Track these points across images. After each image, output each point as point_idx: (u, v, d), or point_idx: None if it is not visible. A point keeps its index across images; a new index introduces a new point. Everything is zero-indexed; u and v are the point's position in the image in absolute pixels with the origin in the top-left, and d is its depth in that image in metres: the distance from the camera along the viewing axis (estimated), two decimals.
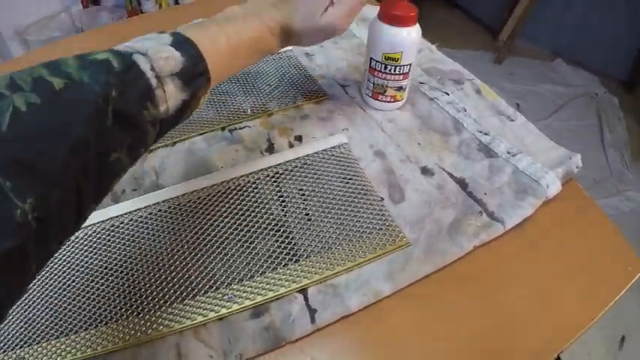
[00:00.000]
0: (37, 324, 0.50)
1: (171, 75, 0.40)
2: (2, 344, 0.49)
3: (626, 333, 1.66)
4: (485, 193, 0.60)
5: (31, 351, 0.48)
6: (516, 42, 3.13)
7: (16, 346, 0.48)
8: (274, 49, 0.55)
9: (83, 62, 0.35)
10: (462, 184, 0.61)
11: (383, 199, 0.59)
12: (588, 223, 0.59)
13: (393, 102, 0.71)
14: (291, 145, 0.67)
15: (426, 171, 0.63)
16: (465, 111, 0.72)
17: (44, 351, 0.48)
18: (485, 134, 0.68)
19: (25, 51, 2.64)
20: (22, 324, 0.50)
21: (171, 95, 0.40)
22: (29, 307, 0.51)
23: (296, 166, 0.63)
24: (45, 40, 2.59)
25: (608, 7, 2.85)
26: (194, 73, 0.42)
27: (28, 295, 0.52)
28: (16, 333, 0.49)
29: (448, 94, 0.75)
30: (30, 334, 0.49)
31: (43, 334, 0.49)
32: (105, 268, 0.54)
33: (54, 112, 0.32)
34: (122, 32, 1.00)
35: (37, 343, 0.48)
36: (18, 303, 0.52)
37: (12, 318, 0.51)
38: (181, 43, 0.42)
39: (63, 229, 0.33)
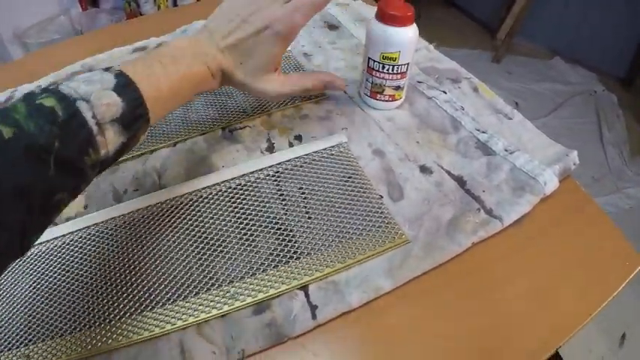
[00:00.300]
0: (42, 322, 0.50)
1: (111, 121, 0.43)
2: (8, 342, 0.49)
3: (627, 330, 1.67)
4: (484, 191, 0.60)
5: (35, 349, 0.48)
6: (514, 40, 3.14)
7: (20, 344, 0.49)
8: (214, 88, 0.58)
9: (31, 109, 0.38)
10: (460, 181, 0.62)
11: (382, 197, 0.60)
12: (586, 220, 0.60)
13: (392, 101, 0.72)
14: (291, 145, 0.68)
15: (424, 169, 0.63)
16: (463, 109, 0.72)
17: (48, 348, 0.48)
18: (483, 132, 0.68)
19: (25, 53, 2.65)
20: (27, 322, 0.51)
21: (111, 140, 0.43)
22: (34, 306, 0.52)
23: (296, 165, 0.64)
24: (44, 43, 2.60)
25: (606, 4, 2.85)
26: (134, 116, 0.45)
27: (39, 293, 0.53)
28: (19, 331, 0.50)
29: (446, 93, 0.75)
30: (34, 332, 0.50)
31: (48, 332, 0.50)
32: (109, 267, 0.54)
33: (2, 161, 0.35)
34: (121, 34, 1.01)
35: (42, 341, 0.49)
36: (25, 301, 0.53)
37: (16, 316, 0.52)
38: (123, 86, 0.45)
39: (6, 258, 0.37)
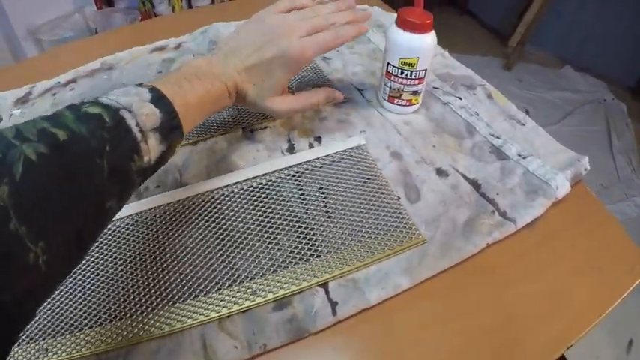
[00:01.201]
0: (63, 316, 0.51)
1: (152, 130, 0.45)
2: (26, 336, 0.51)
3: (634, 336, 1.67)
4: (498, 194, 0.62)
5: (54, 342, 0.49)
6: (525, 48, 3.14)
7: (39, 337, 0.50)
8: (228, 106, 0.62)
9: (79, 115, 0.40)
10: (475, 185, 0.63)
11: (400, 198, 0.61)
12: (596, 224, 0.61)
13: (409, 105, 0.73)
14: (310, 146, 0.69)
15: (440, 172, 0.65)
16: (478, 115, 0.74)
17: (68, 342, 0.49)
18: (497, 137, 0.70)
19: (38, 50, 2.67)
20: (46, 316, 0.52)
21: (153, 148, 0.46)
22: (55, 300, 0.53)
23: (316, 166, 0.65)
24: (58, 40, 2.61)
25: (617, 14, 2.86)
26: (170, 127, 0.48)
27: (59, 286, 0.54)
28: (40, 325, 0.51)
29: (461, 99, 0.77)
30: (55, 325, 0.51)
31: (67, 325, 0.51)
32: (130, 262, 0.56)
33: (61, 162, 0.36)
34: (138, 34, 1.03)
35: (62, 335, 0.50)
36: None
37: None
38: (159, 99, 0.48)
39: (67, 265, 0.38)
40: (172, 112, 0.48)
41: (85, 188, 0.37)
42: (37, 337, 0.50)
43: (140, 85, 0.49)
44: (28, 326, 0.51)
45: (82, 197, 0.37)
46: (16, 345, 0.50)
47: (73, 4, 2.80)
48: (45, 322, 0.51)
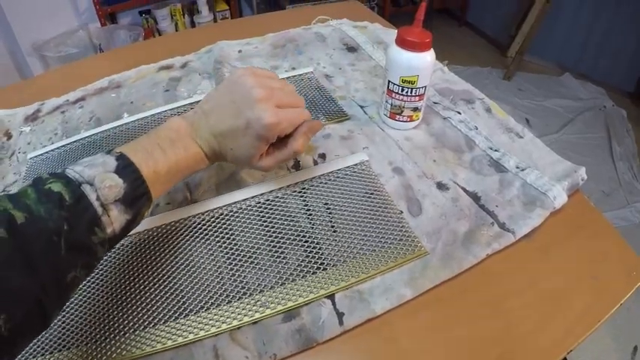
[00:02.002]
0: (76, 329, 0.53)
1: (115, 201, 0.47)
2: (39, 347, 0.52)
3: (639, 343, 1.68)
4: (497, 206, 0.64)
5: (69, 354, 0.51)
6: (525, 58, 3.17)
7: (53, 350, 0.52)
8: (208, 166, 0.61)
9: (40, 194, 0.43)
10: (474, 197, 0.65)
11: (402, 212, 0.63)
12: (594, 232, 0.63)
13: (410, 121, 0.75)
14: (315, 163, 0.71)
15: (441, 186, 0.67)
16: (477, 129, 0.76)
17: (83, 355, 0.51)
18: (496, 151, 0.72)
19: (43, 66, 2.70)
20: (58, 328, 0.54)
21: (115, 219, 0.47)
22: (65, 312, 0.55)
23: (321, 182, 0.67)
24: (62, 57, 2.65)
25: (614, 21, 2.88)
26: (135, 196, 0.49)
27: (71, 300, 0.56)
28: (52, 337, 0.53)
29: (460, 114, 0.79)
30: (69, 338, 0.52)
31: (81, 337, 0.52)
32: (142, 276, 0.58)
33: (17, 244, 0.39)
34: (144, 52, 1.05)
35: (76, 347, 0.52)
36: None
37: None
38: (125, 167, 0.49)
39: (31, 332, 0.41)
40: (138, 179, 0.50)
41: (42, 265, 0.40)
42: (52, 349, 0.52)
43: (110, 152, 0.51)
44: (42, 339, 0.53)
45: (39, 274, 0.40)
46: None
47: (77, 21, 2.83)
48: (59, 334, 0.53)
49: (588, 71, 3.13)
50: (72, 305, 0.56)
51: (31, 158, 0.79)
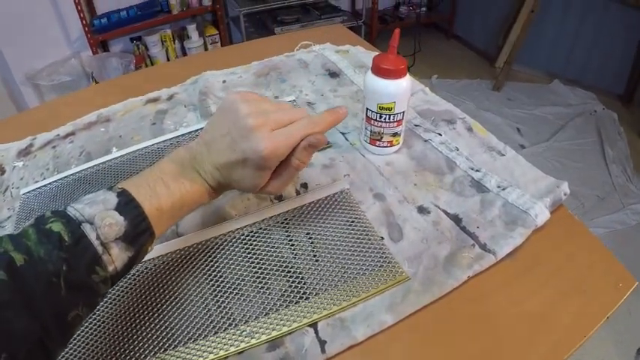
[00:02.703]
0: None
1: (115, 239, 0.47)
2: None
3: None
4: (478, 227, 0.65)
5: None
6: (513, 67, 3.19)
7: None
8: (211, 200, 0.61)
9: (40, 235, 0.44)
10: (455, 219, 0.66)
11: (383, 238, 0.64)
12: (578, 246, 0.64)
13: (390, 146, 0.77)
14: (297, 193, 0.72)
15: (422, 210, 0.68)
16: (458, 150, 0.77)
17: None
18: (477, 171, 0.73)
19: (36, 94, 2.72)
20: None
21: (117, 257, 0.47)
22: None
23: (303, 212, 0.68)
24: (56, 85, 2.68)
25: (599, 24, 2.91)
26: (137, 233, 0.49)
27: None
28: None
29: (441, 135, 0.80)
30: None
31: None
32: (129, 308, 0.59)
33: (17, 287, 0.40)
34: (133, 84, 1.07)
35: None
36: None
37: None
38: (126, 204, 0.49)
39: None
40: (139, 215, 0.49)
41: (41, 306, 0.41)
42: None
43: (111, 188, 0.50)
44: None
45: (39, 315, 0.41)
46: None
47: (69, 49, 2.86)
48: None
49: (577, 76, 3.15)
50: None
51: (24, 194, 0.80)
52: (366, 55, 1.08)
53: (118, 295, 0.61)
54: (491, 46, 3.52)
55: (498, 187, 0.70)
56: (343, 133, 0.84)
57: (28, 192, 0.80)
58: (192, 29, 3.18)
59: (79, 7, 2.63)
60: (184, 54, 3.30)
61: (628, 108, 2.96)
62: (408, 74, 0.71)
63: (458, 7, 3.86)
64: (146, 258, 0.63)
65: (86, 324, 0.58)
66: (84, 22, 2.67)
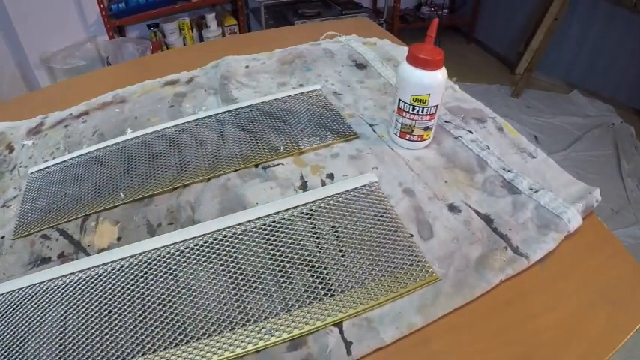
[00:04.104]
0: (72, 351, 0.51)
1: None
2: None
3: None
4: (510, 229, 0.62)
5: None
6: (533, 75, 3.16)
7: None
8: None
9: None
10: (487, 220, 0.63)
11: (412, 235, 0.61)
12: (608, 255, 0.61)
13: (420, 141, 0.74)
14: (323, 183, 0.70)
15: (452, 208, 0.65)
16: (489, 149, 0.74)
17: None
18: (509, 171, 0.70)
19: (50, 77, 2.70)
20: (55, 350, 0.51)
21: None
22: (62, 334, 0.53)
23: (329, 204, 0.65)
24: (70, 69, 2.66)
25: (621, 38, 2.88)
26: None
27: (69, 322, 0.54)
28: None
29: (472, 133, 0.77)
30: None
31: None
32: (142, 299, 0.56)
33: None
34: (150, 67, 1.05)
35: None
36: (55, 329, 0.53)
37: (46, 344, 0.52)
38: None
39: None
40: None
41: None
42: None
43: None
44: None
45: None
46: None
47: (85, 33, 2.84)
48: (56, 357, 0.51)
49: (596, 88, 3.12)
50: (67, 327, 0.54)
51: (32, 173, 0.77)
52: (394, 48, 1.06)
53: (128, 284, 0.58)
54: (512, 52, 3.49)
55: (530, 189, 0.67)
56: (371, 125, 0.81)
57: (36, 171, 0.78)
58: (210, 18, 3.14)
59: None
60: None
61: None
62: (444, 67, 0.67)
63: (480, 12, 3.83)
64: (159, 244, 0.61)
65: (94, 314, 0.55)
66: (101, 5, 2.64)
